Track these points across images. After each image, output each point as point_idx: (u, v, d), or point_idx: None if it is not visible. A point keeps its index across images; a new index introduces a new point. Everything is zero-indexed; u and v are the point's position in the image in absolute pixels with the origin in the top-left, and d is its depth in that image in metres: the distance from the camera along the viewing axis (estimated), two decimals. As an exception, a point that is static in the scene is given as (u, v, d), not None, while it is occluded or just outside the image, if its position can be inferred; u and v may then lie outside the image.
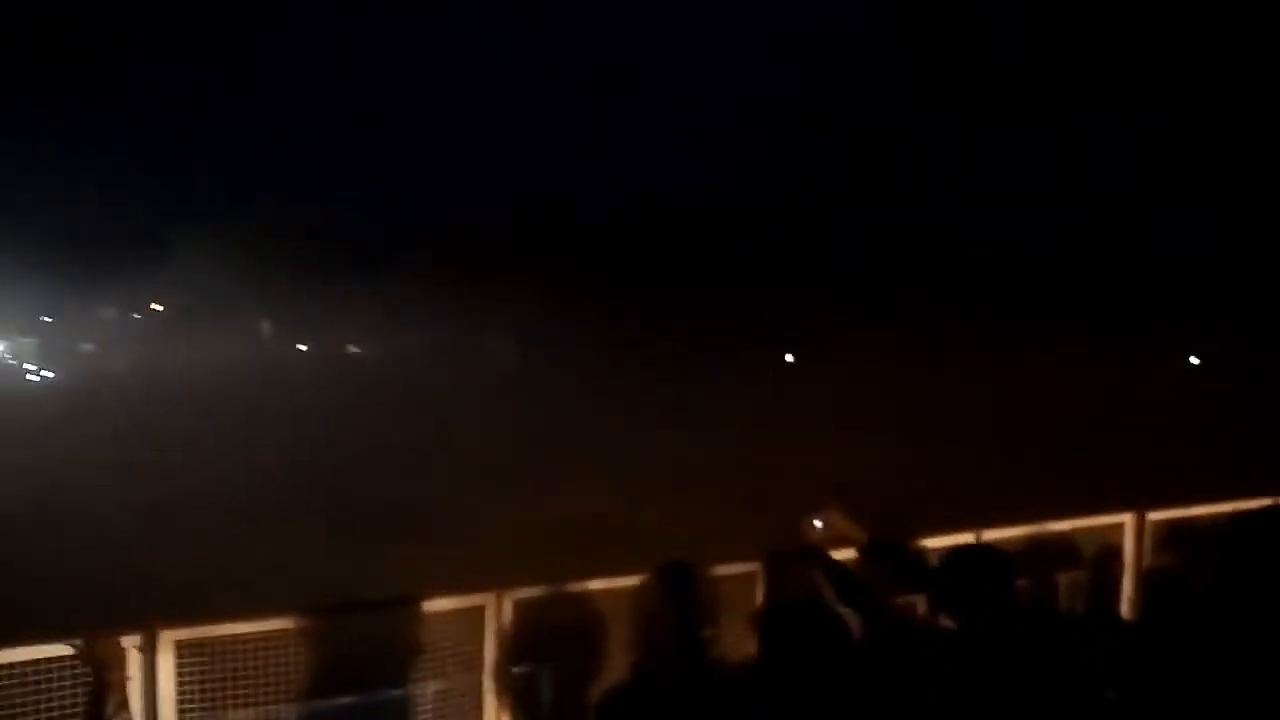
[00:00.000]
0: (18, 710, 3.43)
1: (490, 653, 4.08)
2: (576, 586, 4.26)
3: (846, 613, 3.82)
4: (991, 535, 4.69)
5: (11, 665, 3.43)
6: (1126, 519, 4.97)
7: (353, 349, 66.64)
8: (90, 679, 3.47)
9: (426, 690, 4.04)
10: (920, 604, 3.92)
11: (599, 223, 71.27)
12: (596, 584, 4.27)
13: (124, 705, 3.43)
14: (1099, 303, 51.47)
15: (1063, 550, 4.82)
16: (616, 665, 4.22)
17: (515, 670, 4.13)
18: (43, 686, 3.49)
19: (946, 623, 3.50)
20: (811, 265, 60.66)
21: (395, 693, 4.03)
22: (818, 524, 4.06)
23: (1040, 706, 3.35)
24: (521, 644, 4.12)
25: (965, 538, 4.64)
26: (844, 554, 4.13)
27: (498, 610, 4.08)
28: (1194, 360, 48.92)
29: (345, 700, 3.92)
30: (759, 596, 4.44)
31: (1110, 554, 4.90)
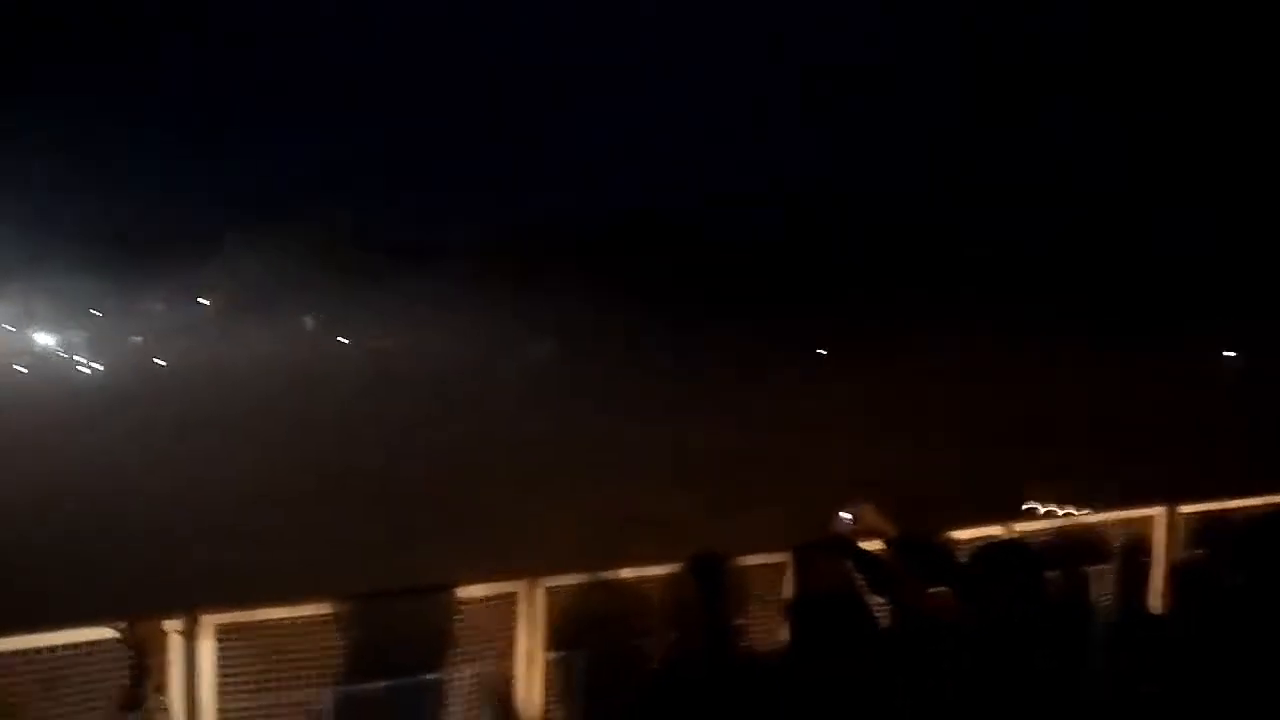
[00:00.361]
0: (64, 690, 3.51)
1: (523, 639, 4.12)
2: (608, 574, 4.29)
3: (876, 604, 3.83)
4: (1023, 527, 4.68)
5: (58, 647, 3.51)
6: (1158, 512, 4.92)
7: (380, 344, 66.98)
8: (132, 661, 3.55)
9: (460, 676, 4.08)
10: (949, 597, 3.91)
11: (633, 222, 71.35)
12: (628, 572, 4.30)
13: (161, 687, 3.50)
14: (1132, 298, 50.77)
15: (1094, 542, 4.78)
16: (647, 652, 4.26)
17: (548, 657, 4.17)
18: (88, 668, 3.55)
19: (975, 616, 3.50)
20: (848, 264, 60.35)
21: (429, 678, 4.06)
22: (848, 516, 4.06)
23: (1067, 700, 3.35)
24: (554, 631, 4.16)
25: (995, 530, 4.63)
26: (873, 547, 4.14)
27: (530, 597, 4.12)
28: (1229, 354, 48.10)
29: (380, 685, 3.96)
30: (788, 586, 4.45)
31: (1142, 547, 4.86)
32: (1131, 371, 36.36)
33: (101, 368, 56.08)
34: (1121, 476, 14.45)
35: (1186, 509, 4.90)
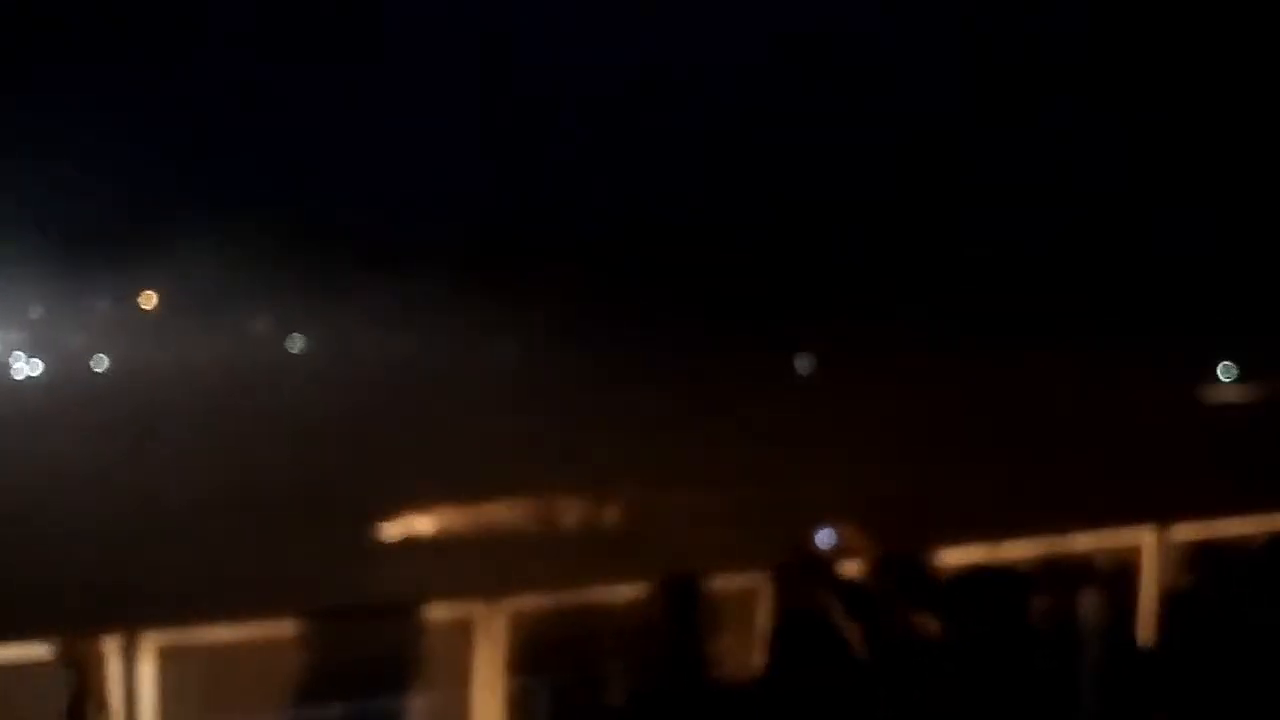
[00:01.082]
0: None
1: (482, 665, 3.95)
2: (573, 597, 4.15)
3: (853, 628, 3.73)
4: (1008, 551, 4.58)
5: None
6: (1148, 536, 4.85)
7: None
8: (70, 681, 3.37)
9: (414, 702, 3.93)
10: (931, 621, 3.81)
11: (609, 225, 71.38)
12: (594, 595, 4.16)
13: (103, 708, 3.33)
14: (1125, 312, 51.34)
15: (1081, 567, 4.71)
16: (616, 679, 4.12)
17: (509, 684, 4.00)
18: (19, 688, 3.38)
19: (957, 642, 3.42)
20: (826, 272, 60.66)
21: (383, 703, 3.91)
22: (827, 536, 3.97)
23: None
24: (515, 656, 4.00)
25: (979, 552, 4.53)
26: (853, 567, 4.03)
27: (490, 620, 3.96)
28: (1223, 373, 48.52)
29: (331, 710, 3.81)
30: (764, 609, 4.32)
31: (1130, 573, 4.80)
32: (1126, 385, 36.67)
33: (40, 367, 55.14)
34: (1112, 494, 14.45)
35: (1178, 533, 4.83)
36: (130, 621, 3.62)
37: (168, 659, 3.55)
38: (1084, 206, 60.49)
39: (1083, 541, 4.77)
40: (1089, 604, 4.50)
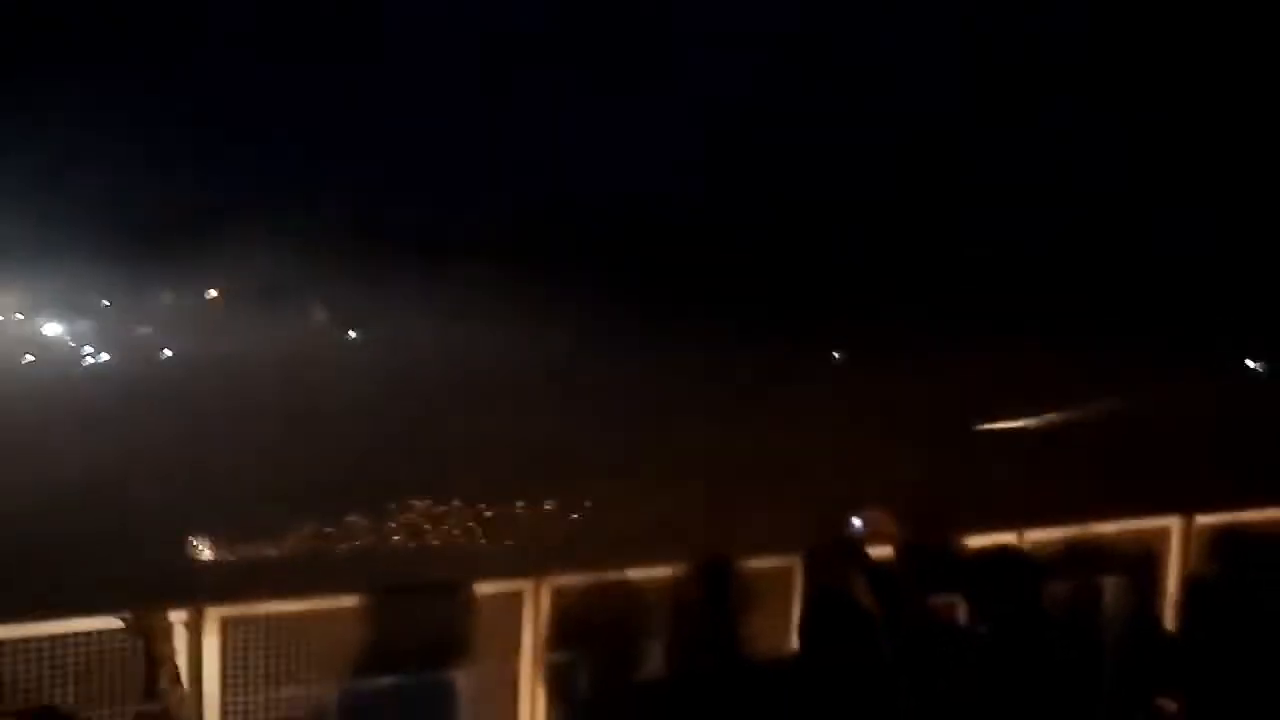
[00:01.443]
0: (69, 677, 3.51)
1: (528, 639, 4.10)
2: (615, 576, 4.27)
3: (878, 611, 3.79)
4: (1036, 535, 4.64)
5: (66, 635, 3.51)
6: (1173, 522, 4.88)
7: (351, 335, 66.98)
8: (141, 652, 3.55)
9: (465, 674, 4.06)
10: (957, 604, 3.88)
11: (643, 221, 71.33)
12: (634, 574, 4.28)
13: (176, 679, 3.49)
14: (1154, 306, 50.57)
15: (1107, 552, 4.74)
16: (652, 656, 4.24)
17: (552, 657, 4.15)
18: (94, 656, 3.56)
19: (978, 625, 3.46)
20: (858, 268, 60.23)
21: (435, 676, 4.05)
22: (859, 521, 4.03)
23: (1071, 712, 3.31)
24: (559, 631, 4.14)
25: (1008, 537, 4.59)
26: (884, 551, 4.10)
27: (536, 597, 4.10)
28: (1251, 364, 47.97)
29: (385, 681, 3.95)
30: (797, 591, 4.42)
31: (1156, 558, 4.82)
32: (1150, 379, 36.17)
33: (108, 357, 56.16)
34: (1138, 484, 14.35)
35: (1202, 519, 4.86)
36: (197, 597, 3.80)
37: (231, 631, 3.73)
38: (1091, 207, 59.49)
39: (1109, 528, 4.81)
40: (1113, 588, 4.54)
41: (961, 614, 3.74)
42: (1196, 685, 3.27)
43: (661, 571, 4.28)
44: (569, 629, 4.16)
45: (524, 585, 4.12)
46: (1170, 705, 3.65)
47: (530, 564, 4.40)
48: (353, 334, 67.34)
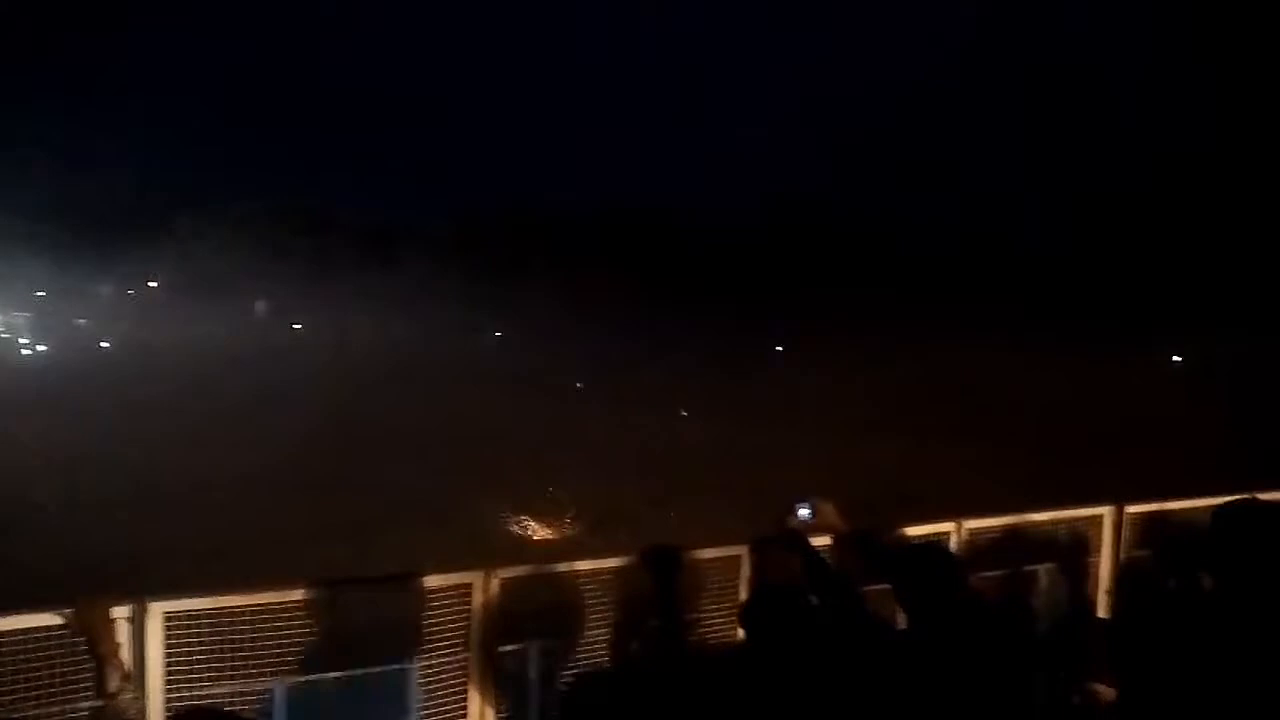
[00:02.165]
0: (14, 677, 3.46)
1: (477, 630, 4.12)
2: (564, 566, 4.30)
3: (819, 599, 3.85)
4: (972, 525, 4.75)
5: (5, 632, 3.46)
6: (1106, 511, 5.03)
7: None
8: (85, 649, 3.51)
9: (414, 666, 4.07)
10: (885, 592, 3.95)
11: (601, 216, 71.44)
12: (583, 564, 4.32)
13: (127, 677, 3.46)
14: (1084, 301, 51.76)
15: (1041, 541, 4.87)
16: (601, 644, 4.28)
17: (502, 649, 4.17)
18: (35, 655, 3.49)
19: (906, 615, 3.52)
20: (800, 261, 60.84)
21: (383, 668, 4.05)
22: (803, 512, 4.09)
23: (1004, 702, 3.36)
24: (508, 622, 4.16)
25: (947, 528, 4.69)
26: (827, 541, 4.18)
27: (485, 588, 4.12)
28: (1176, 358, 49.32)
29: (333, 675, 3.94)
30: (742, 581, 4.49)
31: (1089, 545, 4.96)
32: (1081, 373, 37.03)
33: (45, 349, 55.13)
34: (1069, 476, 14.70)
35: (1133, 509, 5.02)
36: (137, 590, 3.76)
37: (174, 626, 3.68)
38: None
39: (1044, 516, 4.95)
40: (1047, 574, 4.67)
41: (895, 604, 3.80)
42: (1130, 672, 3.36)
43: (609, 561, 4.31)
44: (519, 619, 4.18)
45: (473, 577, 4.13)
46: (1107, 693, 3.75)
47: (479, 554, 4.38)
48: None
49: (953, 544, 4.62)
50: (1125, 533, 4.96)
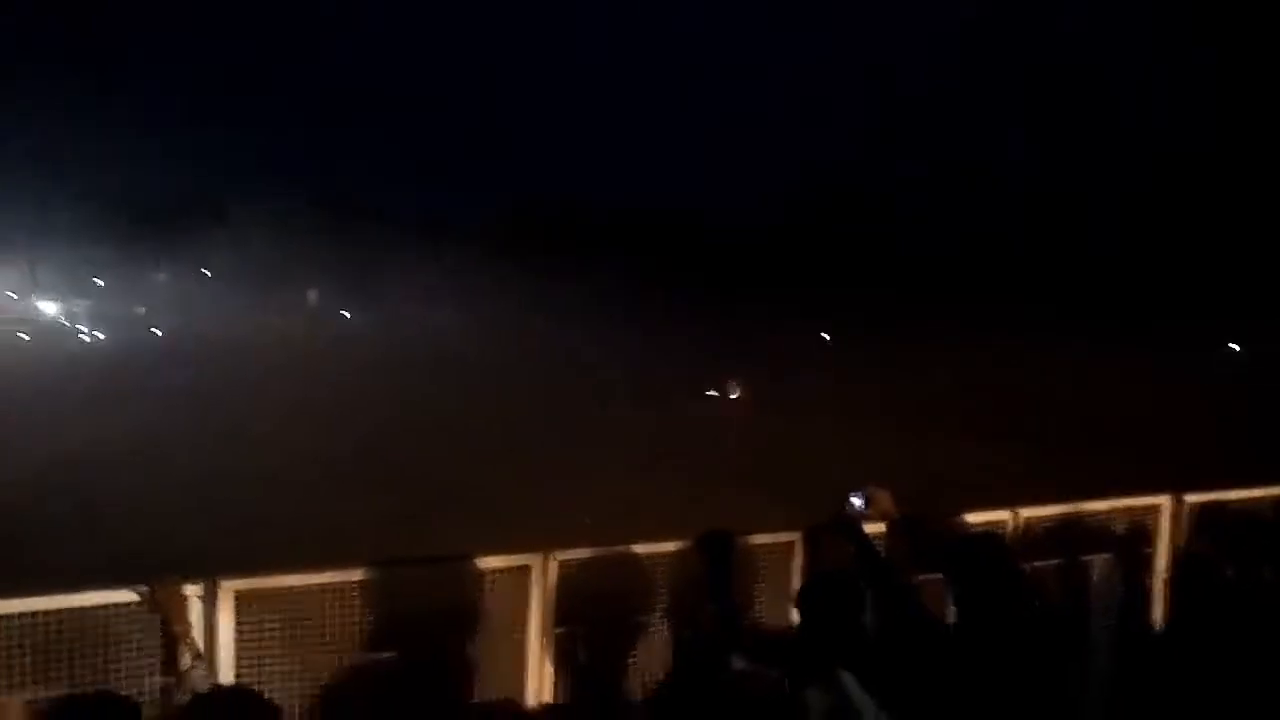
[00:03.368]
0: (88, 649, 3.57)
1: (535, 612, 4.19)
2: (621, 549, 4.35)
3: (869, 587, 3.86)
4: (1029, 513, 4.73)
5: (85, 609, 3.57)
6: (1164, 500, 4.99)
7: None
8: (157, 626, 3.62)
9: (474, 646, 4.14)
10: (938, 581, 3.95)
11: (638, 206, 71.53)
12: (640, 548, 4.36)
13: (198, 654, 3.56)
14: (1143, 289, 50.96)
15: (1099, 530, 4.84)
16: (656, 628, 4.33)
17: (559, 630, 4.23)
18: (112, 630, 3.61)
19: (959, 606, 3.51)
20: (857, 251, 60.43)
21: (443, 648, 4.13)
22: (857, 500, 4.10)
23: (1058, 691, 3.35)
24: (566, 605, 4.21)
25: (1003, 516, 4.68)
26: (881, 529, 4.19)
27: (544, 570, 4.19)
28: (1234, 346, 48.45)
29: (395, 653, 4.02)
30: (795, 567, 4.52)
31: (1146, 535, 4.93)
32: (1139, 364, 36.48)
33: (103, 337, 56.12)
34: (1127, 466, 14.50)
35: (1192, 498, 4.97)
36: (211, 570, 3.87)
37: (243, 604, 3.78)
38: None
39: (1101, 505, 4.91)
40: (1104, 565, 4.64)
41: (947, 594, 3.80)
42: (1179, 662, 3.34)
43: (667, 546, 4.35)
44: (576, 602, 4.24)
45: (532, 559, 4.20)
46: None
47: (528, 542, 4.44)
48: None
49: (1009, 533, 4.62)
50: (1184, 522, 4.92)
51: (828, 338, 54.22)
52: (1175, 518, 4.95)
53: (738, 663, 3.95)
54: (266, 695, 3.33)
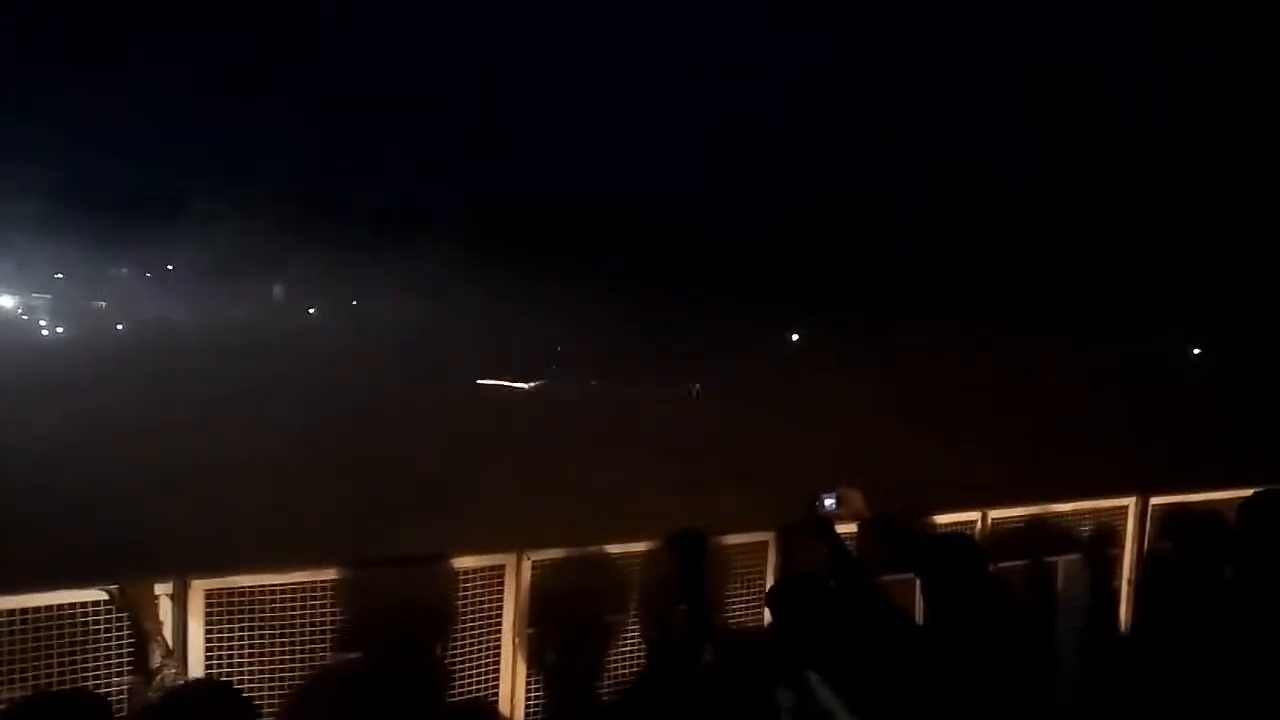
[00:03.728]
0: (57, 650, 3.54)
1: (509, 612, 4.19)
2: (594, 549, 4.36)
3: (840, 586, 3.89)
4: (997, 514, 4.79)
5: (49, 608, 3.54)
6: (1130, 502, 5.07)
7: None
8: (128, 624, 3.59)
9: (446, 646, 4.14)
10: (907, 579, 3.99)
11: (625, 205, 71.62)
12: (612, 548, 4.37)
13: (169, 653, 3.54)
14: (1106, 294, 51.65)
15: (1066, 531, 4.91)
16: (630, 626, 4.35)
17: (531, 631, 4.23)
18: (81, 629, 3.58)
19: (929, 605, 3.55)
20: (828, 250, 60.80)
21: (416, 648, 4.12)
22: (829, 500, 4.13)
23: (1025, 691, 3.39)
24: (539, 604, 4.22)
25: (972, 517, 4.73)
26: (853, 529, 4.23)
27: (517, 570, 4.19)
28: (1196, 350, 49.31)
29: (367, 653, 4.01)
30: (769, 566, 4.55)
31: (1113, 536, 5.00)
32: (1105, 367, 37.00)
33: (62, 331, 55.46)
34: (1093, 468, 14.71)
35: (1158, 500, 5.06)
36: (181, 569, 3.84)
37: (214, 603, 3.76)
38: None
39: (1068, 506, 4.98)
40: (1071, 566, 4.71)
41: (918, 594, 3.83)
42: (1144, 662, 3.39)
43: (639, 545, 4.37)
44: (548, 602, 4.24)
45: (505, 559, 4.20)
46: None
47: (504, 538, 4.44)
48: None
49: (977, 533, 4.68)
50: (1149, 524, 5.01)
51: (796, 337, 54.52)
52: (1141, 519, 5.03)
53: (708, 662, 3.98)
54: (239, 692, 3.31)
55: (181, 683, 3.50)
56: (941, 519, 4.64)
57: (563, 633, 4.29)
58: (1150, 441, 20.43)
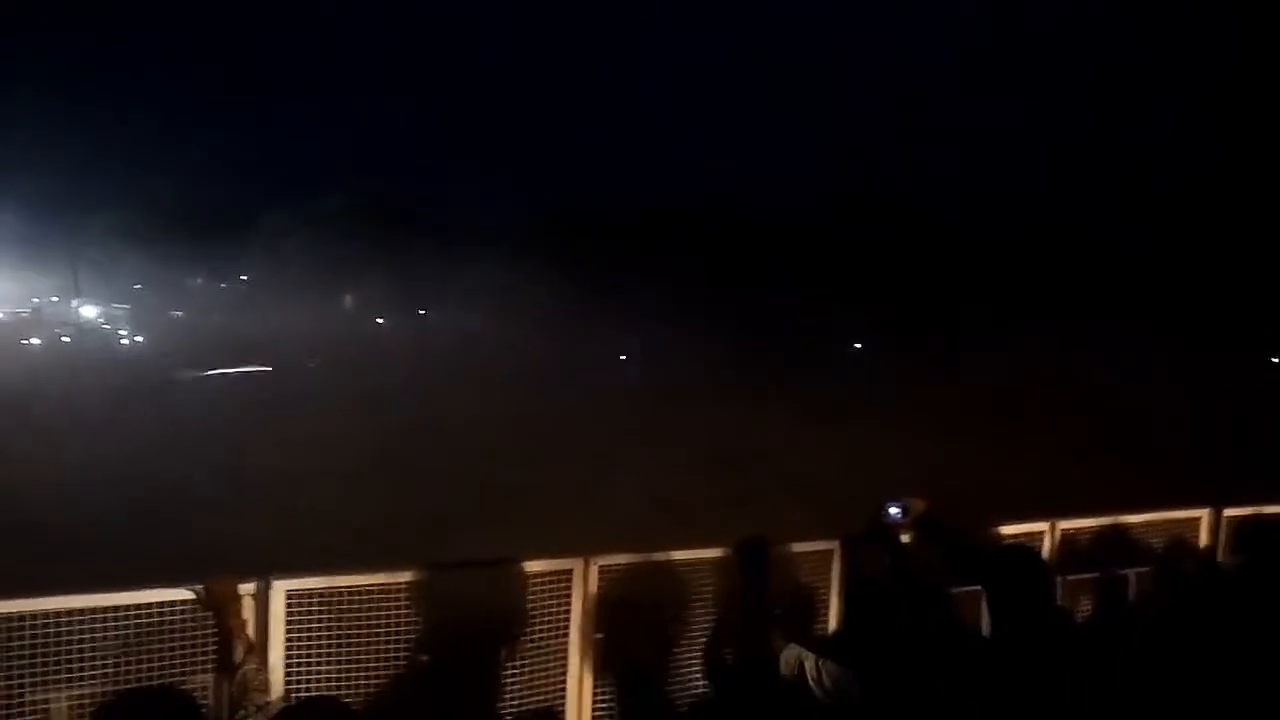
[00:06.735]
0: (144, 645, 3.66)
1: (576, 617, 4.25)
2: (660, 556, 4.40)
3: (902, 594, 3.89)
4: (1066, 525, 4.75)
5: (138, 606, 3.66)
6: (1203, 514, 4.99)
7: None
8: (211, 622, 3.71)
9: (514, 648, 4.21)
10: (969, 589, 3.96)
11: (670, 209, 71.56)
12: (679, 554, 4.41)
13: (251, 650, 3.65)
14: (1183, 302, 50.35)
15: (1137, 543, 4.85)
16: (697, 632, 4.38)
17: (598, 635, 4.29)
18: (166, 626, 3.69)
19: (992, 615, 3.52)
20: (894, 258, 60.12)
21: (486, 649, 4.20)
22: (895, 510, 4.13)
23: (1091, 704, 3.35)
24: (606, 609, 4.27)
25: (1041, 528, 4.69)
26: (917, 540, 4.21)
27: (585, 575, 4.25)
28: (1276, 360, 47.90)
29: (439, 655, 4.09)
30: (833, 576, 4.56)
31: (1186, 549, 4.92)
32: (1180, 375, 36.11)
33: (142, 339, 56.86)
34: (1165, 479, 14.38)
35: (1231, 512, 4.96)
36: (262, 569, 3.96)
37: (295, 603, 3.87)
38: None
39: (1140, 518, 4.91)
40: (1142, 579, 4.64)
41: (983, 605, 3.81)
42: (1214, 674, 3.35)
43: (705, 552, 4.40)
44: (616, 607, 4.29)
45: (573, 564, 4.27)
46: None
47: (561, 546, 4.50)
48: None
49: (1046, 545, 4.64)
50: (1223, 535, 4.92)
51: (859, 346, 54.01)
52: (1214, 530, 4.95)
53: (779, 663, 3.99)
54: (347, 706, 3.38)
55: (261, 679, 3.61)
56: (1009, 530, 4.62)
57: (630, 638, 4.34)
58: (1226, 451, 19.89)
